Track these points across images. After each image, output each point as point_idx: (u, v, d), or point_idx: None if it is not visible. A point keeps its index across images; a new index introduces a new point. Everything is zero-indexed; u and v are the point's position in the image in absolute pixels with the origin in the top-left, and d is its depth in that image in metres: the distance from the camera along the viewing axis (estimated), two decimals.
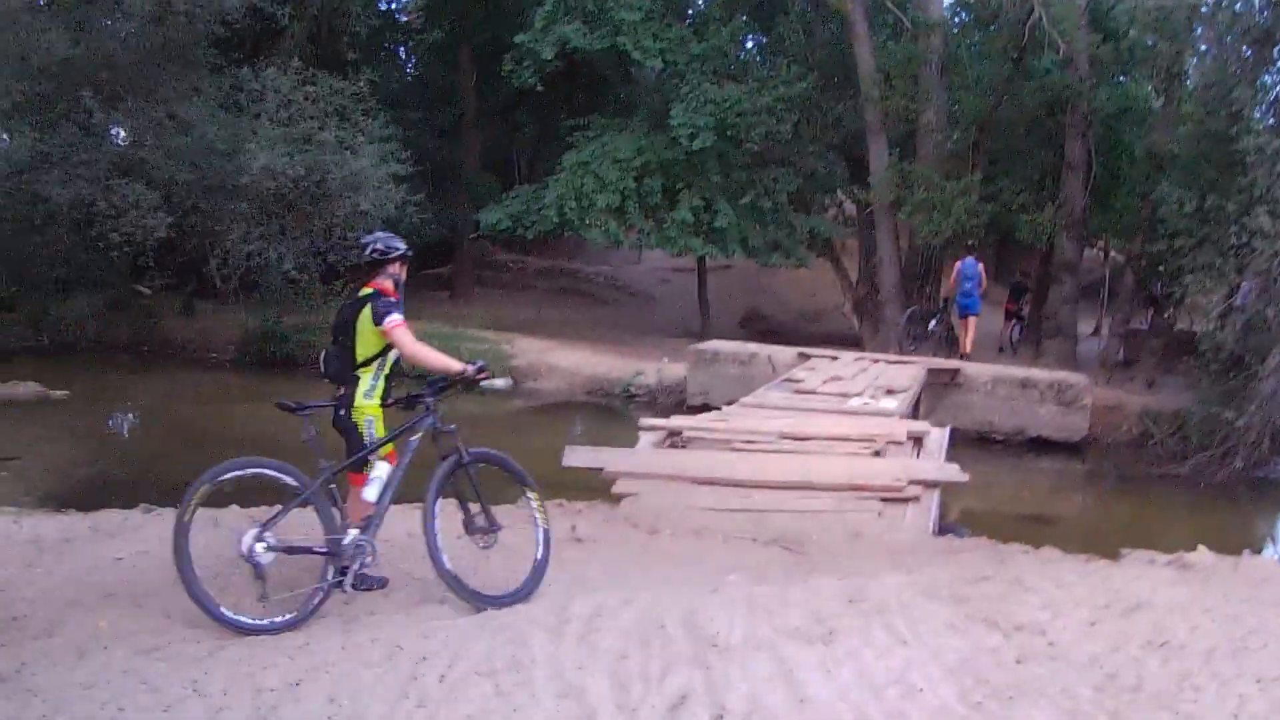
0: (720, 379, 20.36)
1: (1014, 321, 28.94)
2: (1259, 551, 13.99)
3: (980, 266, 23.89)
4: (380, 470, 7.19)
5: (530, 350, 23.65)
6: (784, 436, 12.27)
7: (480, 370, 7.37)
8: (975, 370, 20.14)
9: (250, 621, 6.40)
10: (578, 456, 11.60)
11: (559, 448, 12.47)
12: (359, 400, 7.20)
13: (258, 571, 6.50)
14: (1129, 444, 19.85)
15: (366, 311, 7.13)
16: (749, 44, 30.73)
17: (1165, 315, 24.36)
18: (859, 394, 15.72)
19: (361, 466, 7.22)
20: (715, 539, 9.56)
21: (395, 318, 7.06)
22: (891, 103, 23.95)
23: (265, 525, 6.59)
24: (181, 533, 6.30)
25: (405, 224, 23.20)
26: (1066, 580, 7.64)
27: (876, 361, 19.90)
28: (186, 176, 21.81)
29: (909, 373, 18.29)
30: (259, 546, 6.48)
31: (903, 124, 25.62)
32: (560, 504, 10.74)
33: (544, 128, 33.73)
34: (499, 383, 22.20)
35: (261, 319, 23.59)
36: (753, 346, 21.45)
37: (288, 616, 6.50)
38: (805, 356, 20.30)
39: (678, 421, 13.14)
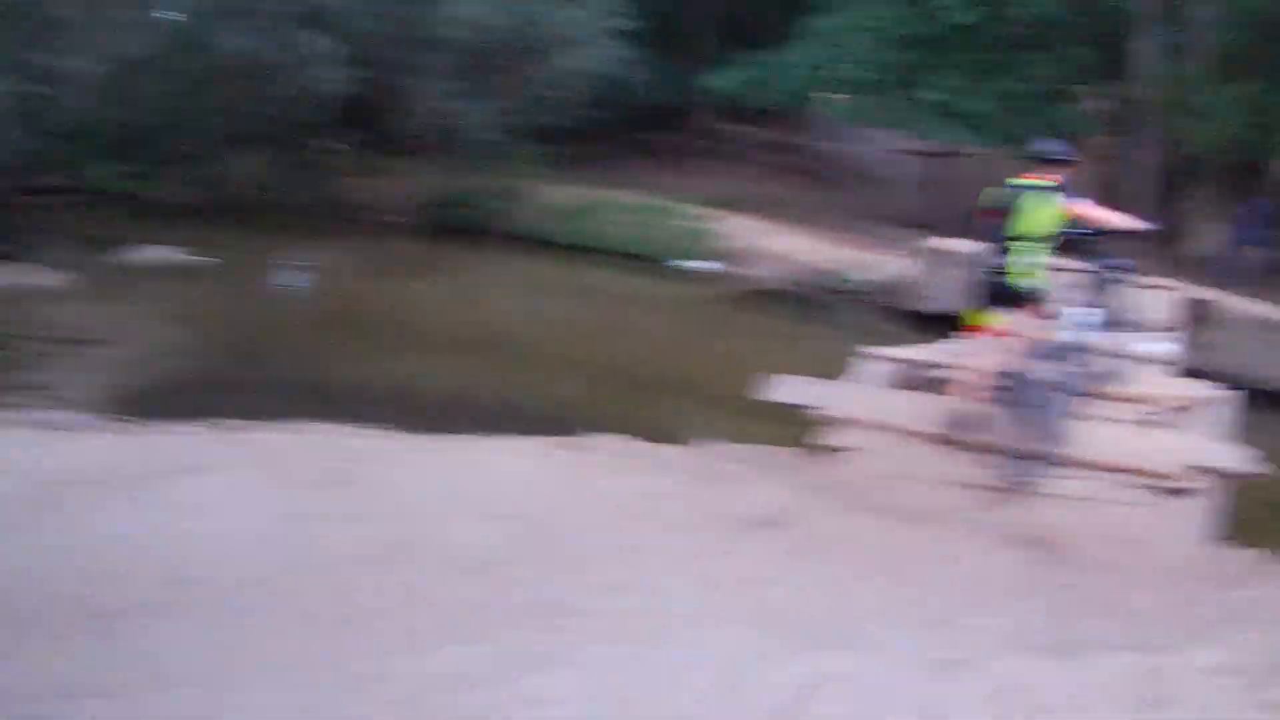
0: (953, 283, 18.09)
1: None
2: None
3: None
4: (1084, 310, 9.32)
5: (743, 231, 22.04)
6: None
7: (1154, 228, 9.63)
8: (1230, 306, 17.83)
9: None
10: (785, 389, 9.72)
11: (756, 355, 11.56)
12: (1031, 268, 8.52)
13: None
14: None
15: (1047, 197, 8.37)
16: None
17: None
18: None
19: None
20: (946, 528, 7.65)
21: (1081, 200, 8.55)
22: None
23: None
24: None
25: (626, 84, 22.12)
26: None
27: None
28: (373, 27, 20.50)
29: (1168, 302, 15.72)
30: None
31: (1174, 19, 23.05)
32: (752, 449, 9.15)
33: None
34: (710, 265, 20.93)
35: (448, 183, 22.15)
36: (990, 250, 19.31)
37: None
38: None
39: (914, 353, 11.20)
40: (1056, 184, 8.51)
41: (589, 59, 21.29)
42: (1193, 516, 8.33)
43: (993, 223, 8.60)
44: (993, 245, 8.66)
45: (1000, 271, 8.61)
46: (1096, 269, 9.69)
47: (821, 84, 23.38)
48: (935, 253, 18.78)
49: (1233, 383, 15.52)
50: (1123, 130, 23.75)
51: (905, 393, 10.37)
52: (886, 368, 10.88)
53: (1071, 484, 8.57)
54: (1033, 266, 8.54)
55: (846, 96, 23.54)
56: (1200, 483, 8.61)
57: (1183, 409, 10.33)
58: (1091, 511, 8.18)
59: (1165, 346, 12.82)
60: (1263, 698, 4.97)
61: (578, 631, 5.35)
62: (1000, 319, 8.74)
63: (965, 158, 27.12)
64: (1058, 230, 8.52)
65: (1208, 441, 9.55)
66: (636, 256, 21.02)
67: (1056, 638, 5.85)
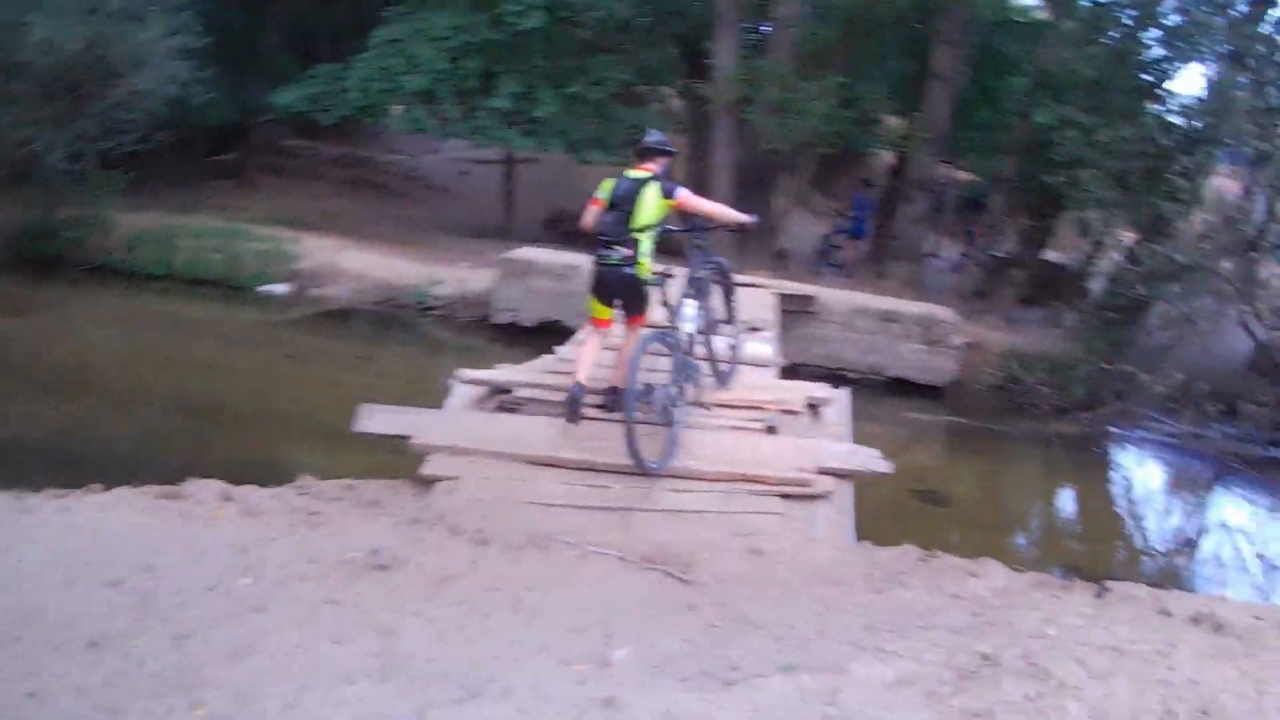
0: (533, 295, 17.94)
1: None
2: None
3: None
4: (691, 307, 9.14)
5: (318, 250, 20.99)
6: None
7: (755, 221, 9.30)
8: (832, 298, 17.83)
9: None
10: (376, 419, 8.72)
11: (344, 381, 11.11)
12: (643, 259, 8.46)
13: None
14: (991, 390, 17.84)
15: (653, 188, 8.41)
16: None
17: (1036, 245, 22.99)
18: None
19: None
20: (566, 554, 6.81)
21: (684, 190, 8.60)
22: None
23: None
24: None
25: (192, 104, 20.83)
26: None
27: None
28: None
29: (763, 301, 15.68)
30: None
31: (756, 17, 23.44)
32: (350, 485, 8.03)
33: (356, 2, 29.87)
34: (288, 288, 19.89)
35: (30, 214, 20.31)
36: (571, 257, 18.44)
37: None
38: None
39: (508, 374, 10.34)
40: (653, 175, 8.58)
41: (159, 80, 19.86)
42: (825, 521, 7.69)
43: (607, 216, 8.47)
44: (608, 238, 8.45)
45: (614, 264, 8.44)
46: (693, 267, 9.44)
47: (382, 96, 22.55)
48: (514, 262, 18.29)
49: (836, 374, 15.54)
50: (703, 129, 23.64)
51: (502, 414, 9.58)
52: (480, 389, 10.04)
53: (691, 497, 7.85)
54: (644, 259, 8.47)
55: (408, 108, 22.79)
56: (827, 486, 8.04)
57: (797, 410, 9.86)
58: (717, 525, 7.46)
59: (766, 346, 12.48)
60: (950, 706, 4.66)
61: (210, 707, 4.61)
62: (615, 315, 8.80)
63: (541, 164, 26.73)
64: (660, 223, 8.57)
65: (828, 442, 9.08)
66: (217, 283, 19.91)
67: (709, 664, 5.22)
